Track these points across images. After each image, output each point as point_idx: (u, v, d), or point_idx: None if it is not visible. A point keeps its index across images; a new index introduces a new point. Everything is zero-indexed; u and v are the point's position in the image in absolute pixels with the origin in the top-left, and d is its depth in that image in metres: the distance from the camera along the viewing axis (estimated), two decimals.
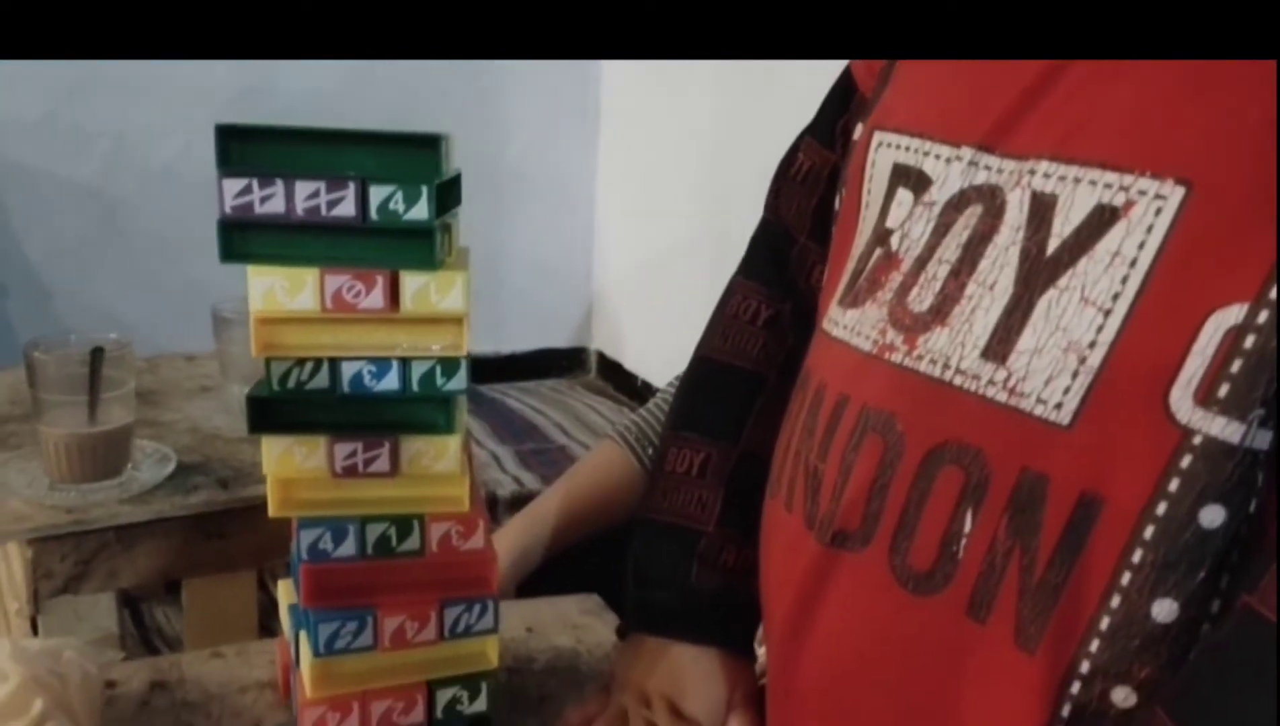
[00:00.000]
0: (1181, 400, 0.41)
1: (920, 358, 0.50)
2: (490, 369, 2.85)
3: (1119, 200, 0.45)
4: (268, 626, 1.19)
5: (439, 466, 0.58)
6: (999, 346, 0.47)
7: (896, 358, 0.51)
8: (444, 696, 0.59)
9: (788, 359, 0.69)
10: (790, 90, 2.22)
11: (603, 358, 3.03)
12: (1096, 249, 0.45)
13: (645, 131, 2.75)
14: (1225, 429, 0.41)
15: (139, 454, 1.08)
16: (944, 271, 0.51)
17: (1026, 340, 0.46)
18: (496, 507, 2.02)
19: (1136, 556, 0.42)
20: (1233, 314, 0.41)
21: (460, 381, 0.57)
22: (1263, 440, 0.40)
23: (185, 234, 2.42)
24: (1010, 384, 0.46)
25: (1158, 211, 0.44)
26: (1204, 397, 0.41)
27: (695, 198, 2.53)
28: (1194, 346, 0.41)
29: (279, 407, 0.56)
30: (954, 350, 0.49)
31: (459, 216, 0.61)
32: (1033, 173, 0.48)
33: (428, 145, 0.54)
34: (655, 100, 2.69)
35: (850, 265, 0.59)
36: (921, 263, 0.52)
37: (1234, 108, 0.44)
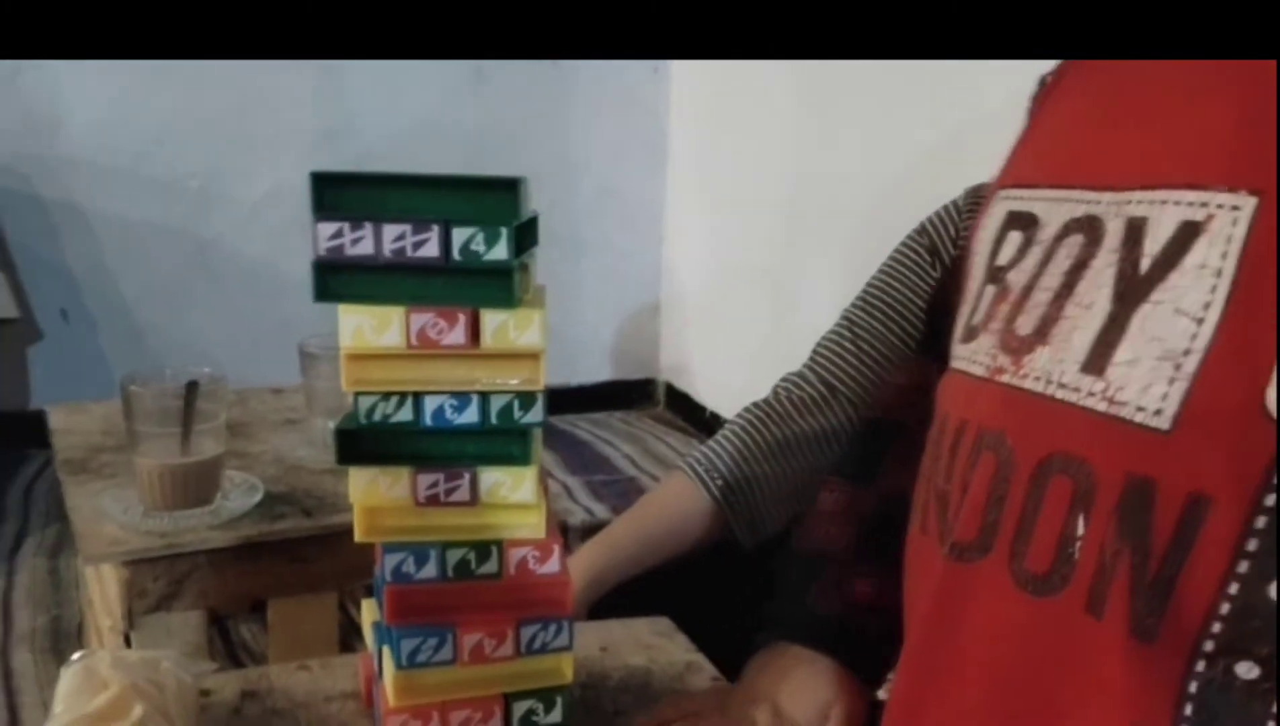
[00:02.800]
0: (1275, 398, 0.43)
1: (1025, 376, 0.53)
2: (561, 400, 2.89)
3: (1200, 215, 0.48)
4: (348, 644, 1.23)
5: (516, 495, 0.61)
6: (1097, 360, 0.50)
7: (1006, 378, 0.55)
8: (520, 707, 0.62)
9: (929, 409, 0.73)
10: (858, 126, 2.24)
11: (671, 389, 3.05)
12: (1184, 262, 0.48)
13: (714, 165, 2.78)
14: None
15: (228, 483, 1.13)
16: (1046, 297, 0.54)
17: (1123, 352, 0.49)
18: (568, 536, 2.05)
19: (1251, 545, 0.44)
20: None
21: (537, 414, 0.60)
22: None
23: (273, 271, 2.52)
24: (1109, 394, 0.49)
25: (1234, 222, 0.46)
26: None
27: (763, 233, 2.55)
28: None
29: (366, 439, 0.60)
30: (1055, 366, 0.52)
31: (535, 255, 0.64)
32: (1128, 202, 0.52)
33: (507, 189, 0.57)
34: (723, 138, 2.72)
35: (966, 308, 0.63)
36: (1027, 290, 0.56)
37: None
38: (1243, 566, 0.44)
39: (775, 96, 2.46)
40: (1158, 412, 0.47)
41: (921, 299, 1.01)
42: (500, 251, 0.57)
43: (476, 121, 2.68)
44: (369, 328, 0.58)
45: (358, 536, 0.60)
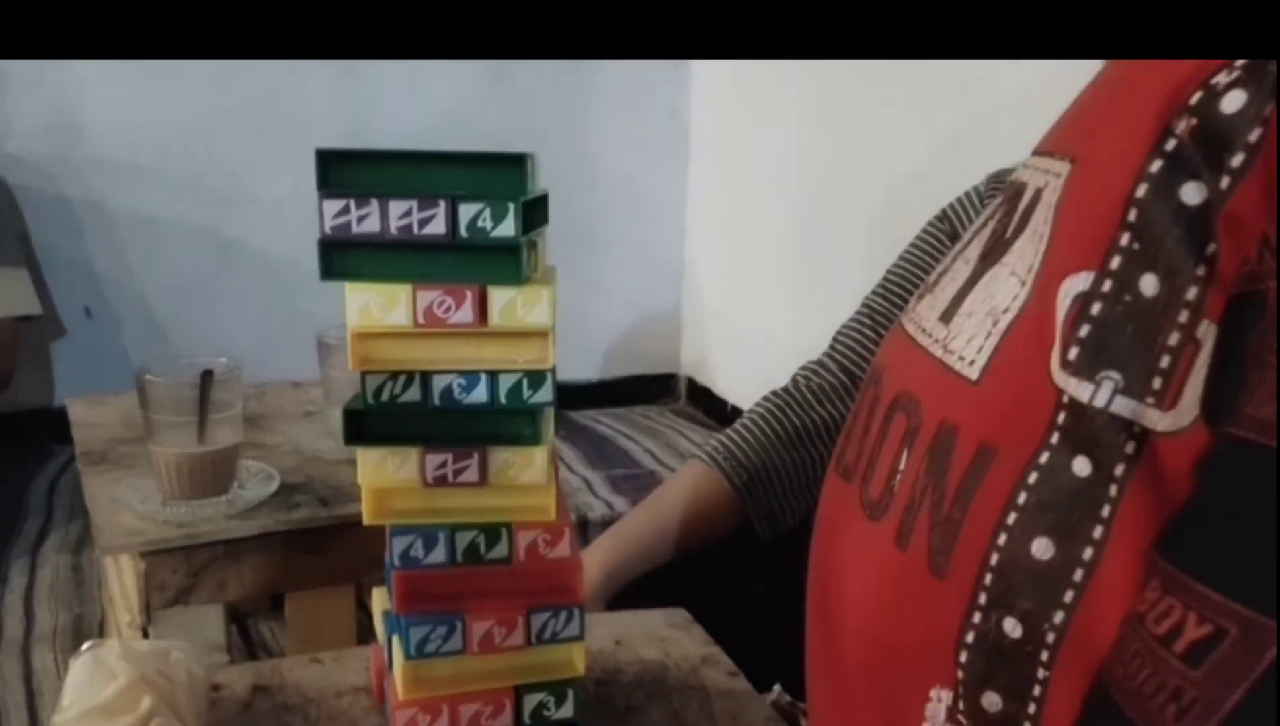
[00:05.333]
0: (1054, 361, 0.45)
1: (912, 320, 0.57)
2: (582, 396, 2.88)
3: (1042, 181, 0.50)
4: (365, 641, 1.22)
5: (526, 476, 0.59)
6: (950, 310, 0.53)
7: (904, 319, 0.58)
8: (531, 701, 0.61)
9: None
10: (878, 114, 2.22)
11: (692, 383, 3.03)
12: (1028, 227, 0.49)
13: (734, 160, 2.77)
14: (1079, 389, 0.44)
15: (245, 473, 1.12)
16: (958, 249, 0.57)
17: (967, 305, 0.51)
18: (587, 530, 2.04)
19: (1021, 499, 0.45)
20: (1081, 281, 0.44)
21: (546, 393, 0.58)
22: (1121, 406, 0.43)
23: (294, 268, 2.52)
24: (946, 342, 0.51)
25: (1055, 189, 0.48)
26: (1063, 359, 0.45)
27: (784, 225, 2.53)
28: (1058, 311, 0.45)
29: (373, 420, 0.59)
30: (928, 313, 0.55)
31: (545, 235, 0.63)
32: (1028, 167, 0.54)
33: (514, 164, 0.56)
34: (744, 130, 2.71)
35: None
36: (955, 250, 0.59)
37: (1119, 90, 0.48)
38: (1011, 518, 0.46)
39: (795, 87, 2.44)
40: (971, 363, 0.49)
41: None
42: (507, 227, 0.56)
43: (497, 118, 2.68)
44: (376, 306, 0.57)
45: (366, 519, 0.59)
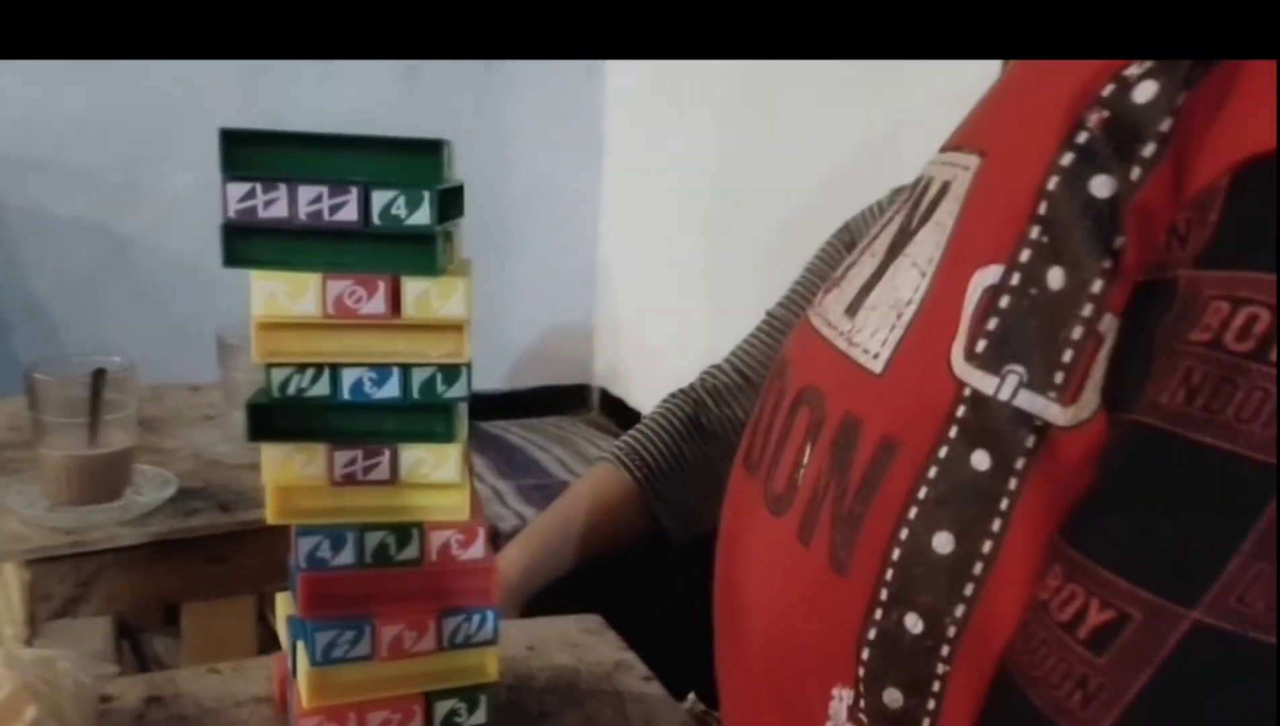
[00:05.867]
0: (957, 354, 0.45)
1: (817, 314, 0.56)
2: (494, 406, 2.85)
3: (950, 175, 0.50)
4: (267, 654, 1.18)
5: (438, 474, 0.57)
6: (855, 303, 0.52)
7: (810, 313, 0.58)
8: (442, 708, 0.59)
9: None
10: (795, 127, 2.24)
11: (605, 394, 3.02)
12: (932, 220, 0.50)
13: (649, 167, 2.77)
14: (983, 382, 0.44)
15: (140, 477, 1.07)
16: (864, 244, 0.57)
17: (873, 298, 0.51)
18: (498, 540, 2.01)
19: (922, 493, 0.45)
20: (991, 274, 0.44)
21: (461, 389, 0.57)
22: (1024, 400, 0.43)
23: (196, 269, 2.44)
24: (851, 335, 0.51)
25: (965, 181, 0.48)
26: (968, 352, 0.45)
27: (697, 237, 2.54)
28: (966, 304, 0.45)
29: (279, 414, 0.56)
30: (834, 306, 0.55)
31: (461, 227, 0.61)
32: (935, 162, 0.54)
33: (430, 150, 0.54)
34: (658, 137, 2.71)
35: None
36: (863, 244, 0.59)
37: (1030, 83, 0.48)
38: (912, 513, 0.46)
39: (710, 96, 2.45)
40: (875, 356, 0.49)
41: None
42: (423, 216, 0.54)
43: (408, 119, 2.63)
44: (283, 295, 0.54)
45: (270, 518, 0.57)
